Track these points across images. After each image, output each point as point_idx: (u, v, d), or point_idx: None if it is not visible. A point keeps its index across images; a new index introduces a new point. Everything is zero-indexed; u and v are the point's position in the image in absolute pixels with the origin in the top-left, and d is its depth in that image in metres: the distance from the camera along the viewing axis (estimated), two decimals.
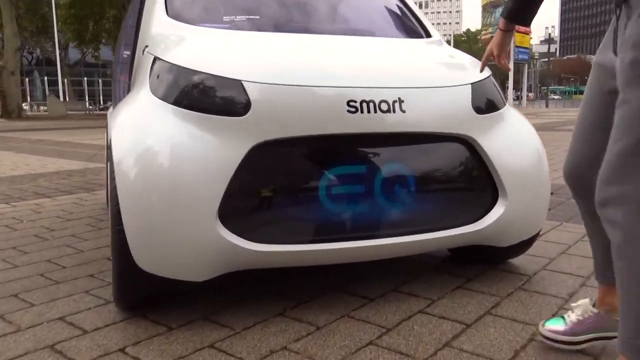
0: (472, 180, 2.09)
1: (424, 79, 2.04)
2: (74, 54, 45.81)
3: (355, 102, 1.83)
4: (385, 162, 1.92)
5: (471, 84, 2.09)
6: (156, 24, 2.29)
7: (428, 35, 2.69)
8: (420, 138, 1.98)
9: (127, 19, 3.21)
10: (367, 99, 1.85)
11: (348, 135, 1.85)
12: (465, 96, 2.05)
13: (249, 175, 1.77)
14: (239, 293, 2.12)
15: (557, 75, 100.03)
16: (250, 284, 2.21)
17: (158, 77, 1.91)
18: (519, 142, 2.15)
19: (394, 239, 1.93)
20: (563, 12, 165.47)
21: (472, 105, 2.05)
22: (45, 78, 40.54)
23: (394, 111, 1.88)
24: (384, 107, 1.87)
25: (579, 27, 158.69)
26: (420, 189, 1.97)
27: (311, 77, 1.86)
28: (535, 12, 1.61)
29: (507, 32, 1.73)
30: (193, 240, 1.70)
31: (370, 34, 2.63)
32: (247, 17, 2.47)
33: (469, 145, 2.04)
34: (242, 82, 1.79)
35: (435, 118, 1.97)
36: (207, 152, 1.72)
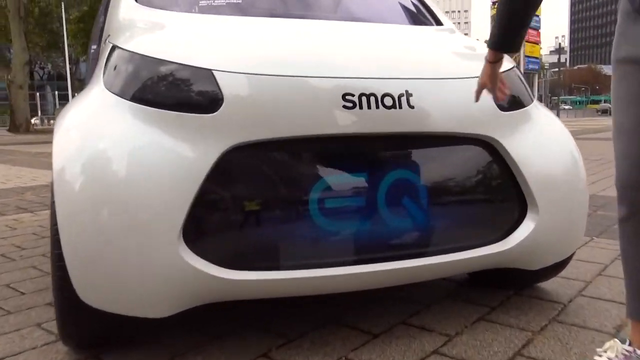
0: (496, 190, 1.73)
1: (436, 69, 1.69)
2: (84, 68, 46.08)
3: (353, 95, 1.50)
4: (390, 169, 1.57)
5: None
6: (123, 11, 1.97)
7: (438, 23, 2.35)
8: (432, 140, 1.64)
9: (99, 13, 2.92)
10: (368, 92, 1.51)
11: (344, 136, 1.51)
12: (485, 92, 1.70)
13: (220, 186, 1.43)
14: (215, 329, 1.77)
15: (567, 85, 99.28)
16: (229, 317, 1.87)
17: (115, 68, 1.59)
18: (551, 145, 1.80)
19: (401, 263, 1.58)
20: (573, 22, 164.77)
21: (495, 100, 1.70)
22: (57, 92, 40.82)
23: (400, 107, 1.54)
24: (388, 101, 1.53)
25: (588, 37, 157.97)
26: (433, 202, 1.62)
27: (298, 66, 1.53)
28: (524, 36, 1.52)
29: (496, 63, 1.56)
30: (150, 267, 1.36)
31: (370, 20, 2.29)
32: (227, 0, 2.15)
33: (492, 148, 1.69)
34: (213, 71, 1.46)
35: (451, 116, 1.63)
36: (169, 158, 1.39)
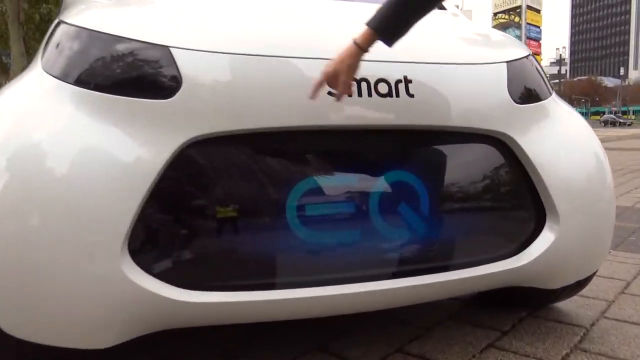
0: (509, 197, 1.48)
1: (439, 53, 1.44)
2: None
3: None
4: (384, 170, 1.32)
5: (507, 62, 1.50)
6: None
7: (440, 7, 2.09)
8: (434, 136, 1.39)
9: None
10: (358, 77, 1.26)
11: (329, 129, 1.26)
12: (499, 78, 1.45)
13: (176, 189, 1.18)
14: (175, 356, 1.51)
15: (567, 97, 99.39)
16: (190, 342, 1.60)
17: (57, 47, 1.34)
18: (573, 144, 1.54)
19: (396, 282, 1.33)
20: (573, 34, 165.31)
21: (509, 91, 1.45)
22: None
23: (397, 95, 1.29)
24: (383, 88, 1.27)
25: (589, 49, 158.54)
26: (435, 210, 1.37)
27: (274, 44, 1.27)
28: (412, 25, 1.25)
29: (364, 50, 1.23)
30: (85, 287, 1.10)
31: None
32: None
33: (504, 147, 1.44)
34: (171, 49, 1.21)
35: (457, 107, 1.38)
36: (113, 154, 1.13)
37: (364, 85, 1.25)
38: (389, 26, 1.22)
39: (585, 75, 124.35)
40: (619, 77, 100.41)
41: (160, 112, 1.16)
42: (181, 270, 1.18)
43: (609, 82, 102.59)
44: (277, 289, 1.23)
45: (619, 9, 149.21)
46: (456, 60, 1.42)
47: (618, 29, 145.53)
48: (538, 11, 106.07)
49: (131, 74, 1.19)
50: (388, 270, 1.35)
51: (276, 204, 1.23)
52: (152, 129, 1.15)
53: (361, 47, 1.22)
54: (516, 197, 1.48)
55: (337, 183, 1.28)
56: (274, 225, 1.25)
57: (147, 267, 1.15)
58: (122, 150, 1.13)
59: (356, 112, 1.26)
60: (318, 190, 1.26)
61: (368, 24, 1.22)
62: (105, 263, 1.10)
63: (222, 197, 1.21)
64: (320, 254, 1.28)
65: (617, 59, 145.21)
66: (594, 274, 1.69)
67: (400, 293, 1.35)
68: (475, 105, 1.40)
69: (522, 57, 1.56)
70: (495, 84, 1.44)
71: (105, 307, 1.12)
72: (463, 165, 1.43)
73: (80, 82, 1.22)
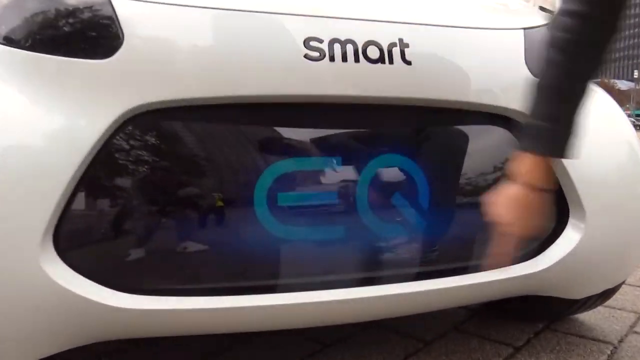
0: None
1: (444, 13, 1.21)
2: None
3: (321, 41, 1.02)
4: (373, 153, 1.09)
5: (524, 29, 1.26)
6: None
7: None
8: (436, 113, 1.16)
9: None
10: (343, 38, 1.03)
11: (305, 101, 1.04)
12: (516, 47, 1.22)
13: (116, 170, 0.96)
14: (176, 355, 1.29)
15: None
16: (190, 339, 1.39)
17: None
18: (604, 131, 1.30)
19: (390, 288, 1.10)
20: None
21: (527, 63, 1.22)
22: None
23: (390, 61, 1.06)
24: (373, 53, 1.05)
25: None
26: (436, 204, 1.14)
27: None
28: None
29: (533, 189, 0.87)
30: None
31: None
32: None
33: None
34: None
35: (465, 79, 1.15)
36: (37, 126, 0.91)
37: (349, 48, 1.02)
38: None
39: (598, 78, 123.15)
40: (632, 80, 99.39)
41: (95, 75, 0.94)
42: (120, 270, 0.97)
43: (622, 85, 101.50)
44: (237, 295, 1.01)
45: (633, 11, 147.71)
46: (464, 24, 1.19)
47: (632, 31, 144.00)
48: (551, 12, 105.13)
49: (60, 28, 0.97)
50: (379, 274, 1.13)
51: (237, 190, 1.02)
52: (85, 95, 0.93)
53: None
54: None
55: (314, 167, 1.06)
56: (233, 217, 1.03)
57: (77, 266, 0.93)
58: (47, 121, 0.92)
59: (339, 80, 1.03)
60: (291, 175, 1.04)
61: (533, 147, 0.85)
62: (19, 258, 0.88)
63: (171, 181, 0.99)
64: (297, 252, 1.06)
65: (631, 61, 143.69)
66: (623, 282, 1.45)
67: (398, 301, 1.13)
68: (486, 77, 1.18)
69: (542, 25, 1.32)
70: (510, 54, 1.21)
71: (25, 312, 0.91)
72: (471, 151, 1.20)
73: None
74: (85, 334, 0.97)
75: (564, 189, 1.22)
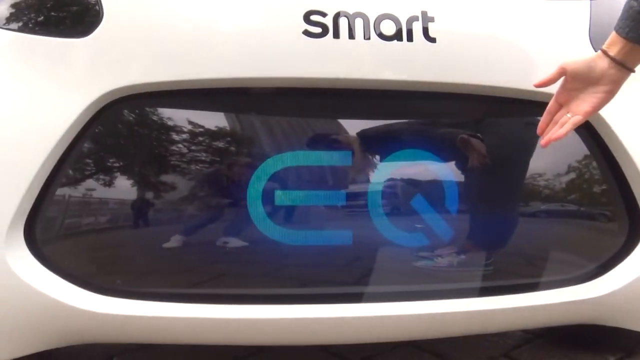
0: (587, 197, 1.05)
1: None
2: None
3: (324, 15, 0.88)
4: (391, 148, 0.94)
5: None
6: None
7: None
8: (468, 101, 0.98)
9: None
10: (351, 12, 0.88)
11: (306, 85, 0.90)
12: (579, 22, 1.00)
13: (92, 160, 0.89)
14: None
15: None
16: None
17: None
18: None
19: (412, 306, 0.95)
20: None
21: (592, 41, 0.99)
22: None
23: (409, 39, 0.89)
24: (388, 28, 0.89)
25: None
26: (469, 210, 0.97)
27: None
28: None
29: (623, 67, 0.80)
30: None
31: None
32: None
33: (583, 124, 0.99)
34: None
35: (504, 61, 0.95)
36: (7, 110, 0.86)
37: (358, 23, 0.87)
38: None
39: None
40: None
41: (73, 54, 0.86)
42: (97, 269, 0.89)
43: None
44: (226, 304, 0.90)
45: None
46: None
47: None
48: None
49: (36, 4, 0.90)
50: (402, 289, 0.98)
51: (230, 185, 0.91)
52: (63, 77, 0.86)
53: (618, 61, 0.79)
54: (597, 198, 1.05)
55: (318, 162, 0.92)
56: (225, 217, 0.93)
57: (48, 262, 0.86)
58: (18, 105, 0.85)
59: (348, 61, 0.88)
60: (292, 172, 0.91)
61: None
62: None
63: (154, 172, 0.90)
64: (291, 260, 0.94)
65: None
66: None
67: (426, 322, 0.97)
68: (539, 59, 0.97)
69: None
70: (571, 30, 0.99)
71: None
72: (512, 147, 1.01)
73: None
74: (57, 336, 0.90)
75: (637, 198, 0.99)
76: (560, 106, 0.85)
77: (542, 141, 0.84)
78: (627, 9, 0.78)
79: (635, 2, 0.76)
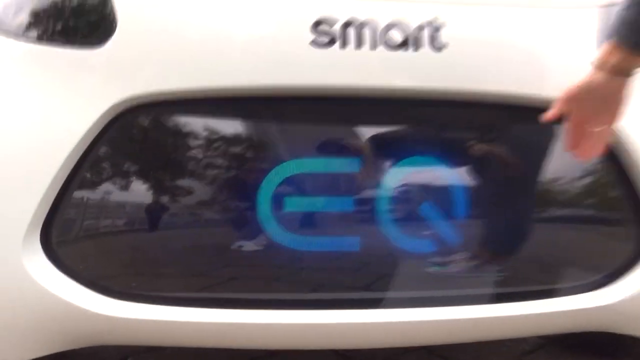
0: (595, 204, 1.05)
1: None
2: None
3: (332, 24, 0.89)
4: (399, 155, 0.94)
5: (599, 7, 1.03)
6: None
7: None
8: (482, 110, 0.98)
9: None
10: (358, 21, 0.89)
11: (314, 94, 0.91)
12: (587, 30, 1.00)
13: (107, 167, 0.91)
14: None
15: None
16: None
17: None
18: None
19: (424, 313, 0.95)
20: None
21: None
22: None
23: (417, 47, 0.90)
24: (396, 36, 0.90)
25: None
26: (481, 217, 0.97)
27: None
28: None
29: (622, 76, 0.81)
30: None
31: None
32: None
33: None
34: None
35: (517, 68, 0.96)
36: (23, 118, 0.89)
37: (366, 32, 0.88)
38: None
39: None
40: None
41: (87, 64, 0.89)
42: (111, 274, 0.91)
43: None
44: (235, 309, 0.91)
45: None
46: (517, 2, 0.99)
47: None
48: None
49: (50, 14, 0.93)
50: (414, 294, 0.98)
51: (241, 193, 0.92)
52: (77, 87, 0.88)
53: (616, 72, 0.81)
54: (608, 206, 1.04)
55: (328, 168, 0.93)
56: (241, 223, 0.94)
57: (64, 266, 0.89)
58: (35, 114, 0.88)
59: (355, 70, 0.89)
60: (301, 178, 0.93)
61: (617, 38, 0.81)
62: (5, 256, 0.85)
63: (166, 180, 0.92)
64: (307, 264, 0.95)
65: None
66: None
67: (436, 328, 0.97)
68: (548, 67, 0.97)
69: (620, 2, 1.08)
70: (579, 38, 0.99)
71: (5, 313, 0.88)
72: (524, 154, 1.01)
73: None
74: (70, 338, 0.92)
75: None
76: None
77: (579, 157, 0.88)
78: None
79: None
